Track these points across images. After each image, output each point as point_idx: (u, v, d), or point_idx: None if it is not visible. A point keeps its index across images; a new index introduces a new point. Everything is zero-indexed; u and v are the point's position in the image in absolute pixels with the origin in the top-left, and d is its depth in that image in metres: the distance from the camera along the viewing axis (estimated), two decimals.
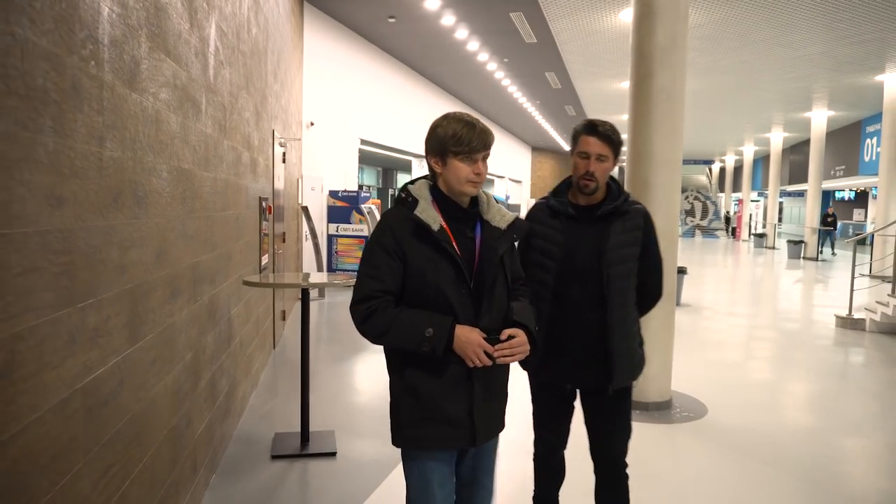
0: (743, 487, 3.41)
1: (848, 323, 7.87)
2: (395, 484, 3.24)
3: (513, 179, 30.29)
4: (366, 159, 19.99)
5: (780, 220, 33.14)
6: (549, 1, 9.05)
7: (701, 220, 31.16)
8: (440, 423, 1.79)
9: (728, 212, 32.60)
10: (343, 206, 10.51)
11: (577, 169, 2.21)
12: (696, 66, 12.57)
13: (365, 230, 10.54)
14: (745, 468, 3.64)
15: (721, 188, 35.52)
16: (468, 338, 1.71)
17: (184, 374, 2.67)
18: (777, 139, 23.27)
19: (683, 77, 4.46)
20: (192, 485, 2.86)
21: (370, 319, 1.74)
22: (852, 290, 7.86)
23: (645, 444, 3.88)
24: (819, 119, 18.17)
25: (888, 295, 7.38)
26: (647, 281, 2.32)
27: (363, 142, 12.57)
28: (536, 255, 2.24)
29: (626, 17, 9.32)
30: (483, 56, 13.21)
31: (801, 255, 18.45)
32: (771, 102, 16.82)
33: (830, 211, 20.99)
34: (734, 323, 8.35)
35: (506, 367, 1.90)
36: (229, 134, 3.72)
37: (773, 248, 22.66)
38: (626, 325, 2.24)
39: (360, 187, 16.29)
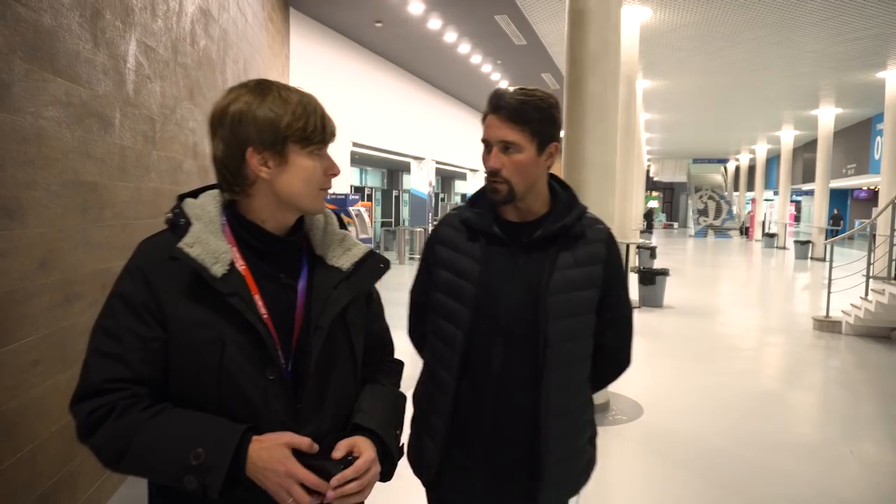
0: (651, 490, 3.47)
1: (825, 325, 7.80)
2: None
3: None
4: (370, 161, 20.22)
5: (797, 219, 32.61)
6: (529, 4, 9.13)
7: (714, 219, 30.81)
8: None
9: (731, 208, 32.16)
10: (330, 209, 10.69)
11: (484, 167, 1.46)
12: (688, 66, 12.53)
13: (353, 233, 10.72)
14: (659, 470, 3.69)
15: (736, 187, 35.05)
16: (270, 458, 1.02)
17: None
18: (788, 137, 22.93)
19: (616, 83, 4.52)
20: (99, 479, 3.02)
21: (96, 433, 1.04)
22: (829, 292, 7.78)
23: None
24: (826, 117, 17.88)
25: (861, 298, 7.31)
26: (606, 342, 1.56)
27: (356, 144, 12.75)
28: (439, 295, 1.49)
29: None
30: (476, 58, 13.30)
31: (809, 256, 18.18)
32: (777, 100, 16.62)
33: (836, 211, 20.65)
34: (710, 325, 8.33)
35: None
36: (161, 145, 3.88)
37: (784, 248, 22.33)
38: (572, 413, 1.49)
39: (354, 189, 16.50)
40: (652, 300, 9.39)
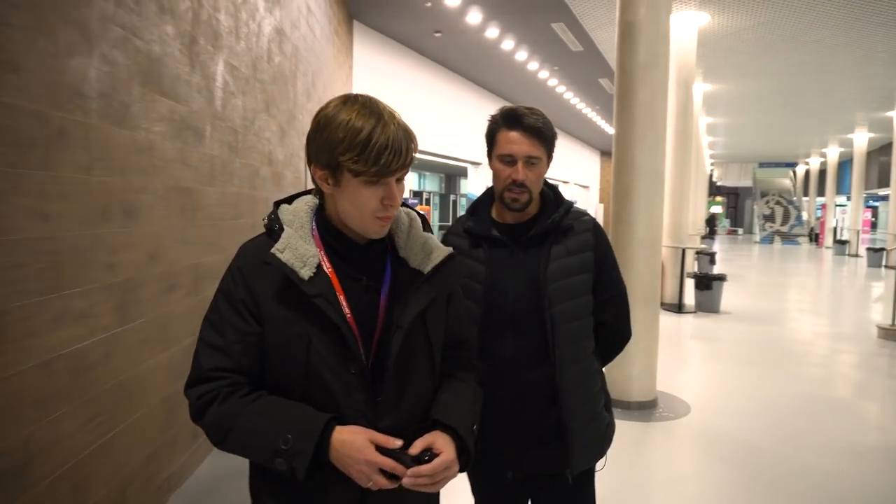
0: (693, 482, 3.64)
1: (890, 334, 7.60)
2: None
3: (580, 185, 30.13)
4: (429, 166, 20.70)
5: (873, 226, 31.02)
6: (585, 13, 9.29)
7: (781, 225, 29.74)
8: None
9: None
10: (415, 211, 11.14)
11: (500, 178, 1.64)
12: (750, 69, 12.33)
13: None
14: (702, 465, 3.84)
15: (805, 192, 33.68)
16: (352, 448, 1.11)
17: (180, 355, 3.26)
18: (861, 140, 21.97)
19: (665, 93, 4.68)
20: (190, 448, 3.45)
21: (205, 415, 1.18)
22: (895, 299, 7.58)
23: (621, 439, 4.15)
24: None
25: None
26: (606, 318, 1.74)
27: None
28: None
29: None
30: (533, 65, 13.51)
31: (883, 264, 17.39)
32: (848, 102, 16.05)
33: None
34: (767, 331, 8.23)
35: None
36: (242, 153, 4.33)
37: (857, 255, 21.36)
38: (585, 384, 1.69)
39: (413, 193, 16.94)
40: (708, 305, 9.33)
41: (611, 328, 1.77)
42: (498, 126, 1.65)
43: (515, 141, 1.60)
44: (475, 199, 1.80)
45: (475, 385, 1.39)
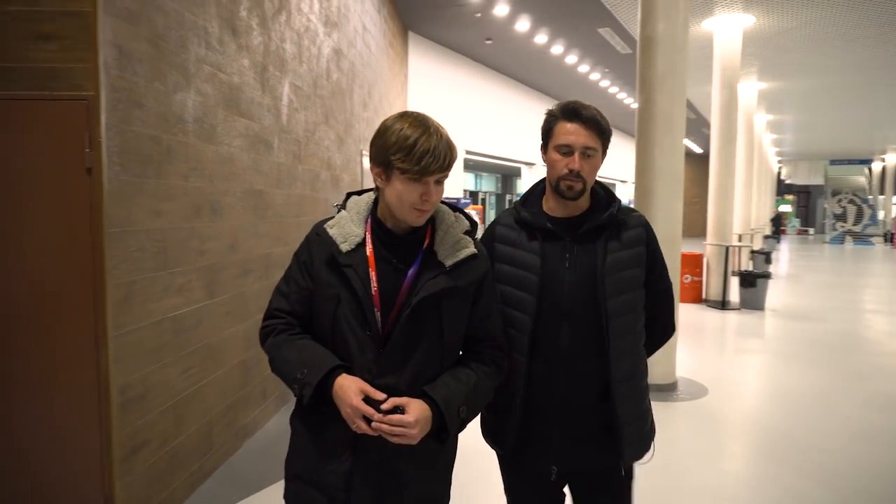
0: (712, 459, 4.07)
1: None
2: None
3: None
4: (485, 167, 21.25)
5: None
6: (629, 18, 9.62)
7: (853, 225, 28.54)
8: (308, 484, 1.47)
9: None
10: (463, 213, 11.78)
11: (555, 168, 1.67)
12: (806, 66, 12.25)
13: None
14: (720, 444, 4.26)
15: (881, 190, 32.09)
16: (345, 393, 1.35)
17: (253, 327, 3.98)
18: None
19: (682, 100, 5.08)
20: (260, 406, 4.18)
21: (265, 342, 1.52)
22: None
23: None
24: None
25: None
26: (656, 314, 1.80)
27: (469, 152, 13.77)
28: (504, 288, 1.69)
29: (708, 25, 9.62)
30: (584, 67, 13.85)
31: None
32: None
33: None
34: (809, 328, 8.34)
35: (433, 446, 1.45)
36: (304, 160, 5.05)
37: None
38: (635, 377, 1.71)
39: (469, 193, 17.51)
40: (752, 302, 9.47)
41: (657, 323, 1.81)
42: (556, 119, 1.68)
43: (573, 132, 1.64)
44: (526, 190, 1.84)
45: (485, 377, 1.51)
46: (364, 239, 1.45)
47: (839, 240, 27.97)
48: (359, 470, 1.41)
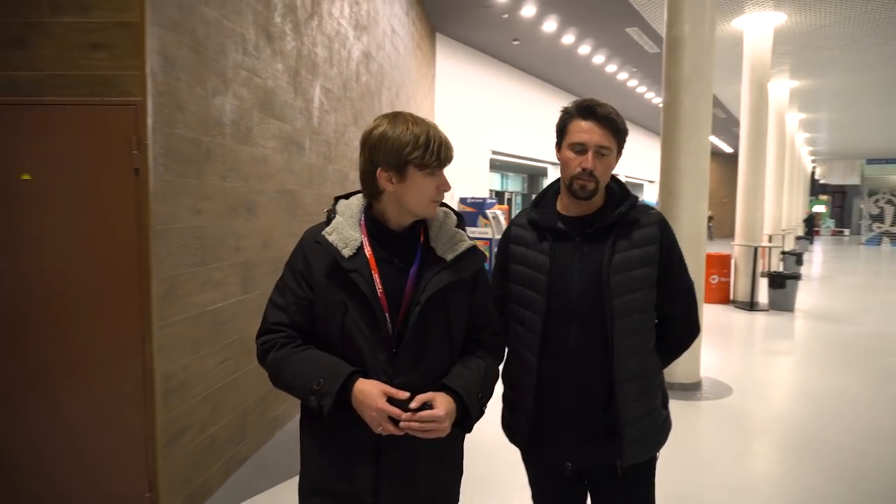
0: (734, 458, 4.10)
1: None
2: None
3: None
4: (511, 167, 21.24)
5: None
6: (656, 17, 9.59)
7: (891, 225, 27.84)
8: (328, 496, 1.46)
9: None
10: (470, 212, 11.88)
11: (569, 166, 1.66)
12: (840, 64, 12.03)
13: (489, 233, 11.81)
14: (741, 441, 4.28)
15: None
16: (367, 396, 1.36)
17: None
18: None
19: (709, 101, 5.09)
20: (291, 398, 4.32)
21: (266, 358, 1.48)
22: None
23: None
24: None
25: None
26: (674, 313, 1.75)
27: (495, 152, 13.83)
28: (517, 287, 1.73)
29: (738, 24, 9.53)
30: (611, 67, 13.80)
31: None
32: None
33: None
34: (837, 329, 8.22)
35: (447, 439, 1.44)
36: (334, 161, 5.19)
37: None
38: (641, 378, 1.69)
39: (495, 193, 17.55)
40: (781, 304, 9.37)
41: (679, 323, 1.77)
42: (570, 116, 1.66)
43: (587, 130, 1.62)
44: (540, 191, 1.83)
45: (491, 363, 1.58)
46: (362, 242, 1.47)
47: (876, 241, 27.32)
48: (384, 472, 1.43)
